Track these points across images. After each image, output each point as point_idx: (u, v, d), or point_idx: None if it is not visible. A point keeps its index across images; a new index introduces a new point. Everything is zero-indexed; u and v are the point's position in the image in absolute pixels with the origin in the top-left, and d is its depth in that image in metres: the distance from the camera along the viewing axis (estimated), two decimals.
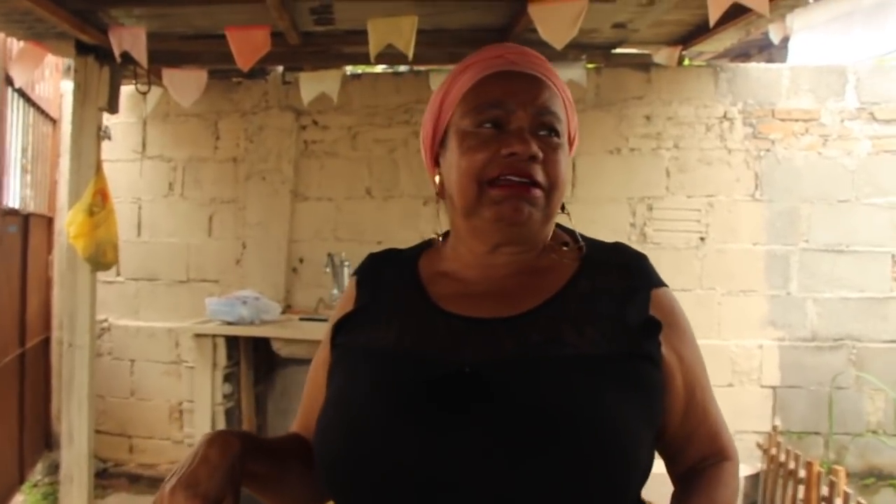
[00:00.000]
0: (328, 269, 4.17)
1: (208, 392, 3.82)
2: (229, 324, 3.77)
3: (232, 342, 3.88)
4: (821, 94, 4.08)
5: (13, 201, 4.04)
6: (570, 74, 3.60)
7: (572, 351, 0.90)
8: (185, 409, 4.44)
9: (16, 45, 3.70)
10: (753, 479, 3.71)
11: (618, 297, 0.96)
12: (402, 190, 4.34)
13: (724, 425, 1.05)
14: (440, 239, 1.09)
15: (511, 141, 0.93)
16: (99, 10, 3.22)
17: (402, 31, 3.06)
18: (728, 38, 3.79)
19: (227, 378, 3.88)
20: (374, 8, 3.12)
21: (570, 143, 1.03)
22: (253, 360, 4.12)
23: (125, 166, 4.54)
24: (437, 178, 1.04)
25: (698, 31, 3.65)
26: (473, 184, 0.95)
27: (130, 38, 3.23)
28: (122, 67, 3.62)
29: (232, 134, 4.49)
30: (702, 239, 4.12)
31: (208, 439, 0.85)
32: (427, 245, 1.11)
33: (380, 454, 0.85)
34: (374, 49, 3.11)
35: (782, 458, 3.18)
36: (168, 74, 3.74)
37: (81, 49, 3.54)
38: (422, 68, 4.25)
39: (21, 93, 3.99)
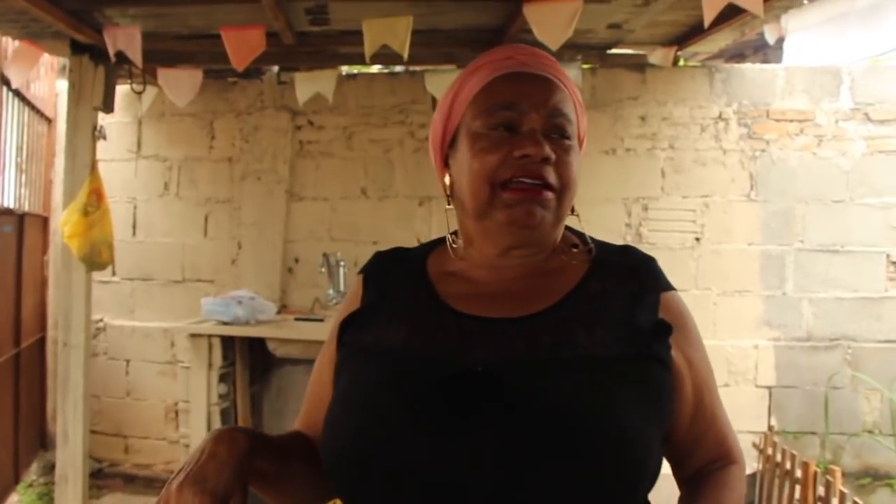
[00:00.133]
0: (323, 269, 4.17)
1: (204, 392, 3.81)
2: (225, 324, 3.77)
3: (227, 342, 3.88)
4: (815, 94, 4.09)
5: (8, 201, 4.03)
6: None
7: (584, 352, 0.90)
8: (181, 410, 4.43)
9: (11, 44, 3.69)
10: (750, 479, 3.71)
11: (627, 299, 0.96)
12: (398, 190, 4.34)
13: (731, 429, 1.05)
14: (453, 239, 1.07)
15: (524, 143, 0.93)
16: (94, 10, 3.21)
17: (396, 32, 3.07)
18: (723, 39, 3.79)
19: (222, 378, 3.87)
20: (369, 8, 3.12)
21: (580, 144, 1.03)
22: (248, 361, 4.11)
23: (120, 166, 4.54)
24: (446, 180, 1.03)
25: (693, 32, 3.66)
26: (486, 186, 0.94)
27: (125, 38, 3.22)
28: (117, 67, 3.61)
29: (227, 134, 4.49)
30: (697, 239, 4.13)
31: (216, 436, 0.85)
32: (433, 245, 1.10)
33: (391, 453, 0.85)
34: (369, 49, 3.11)
35: (778, 458, 3.18)
36: (163, 74, 3.74)
37: (76, 49, 3.53)
38: (417, 69, 4.25)
39: (16, 92, 3.98)
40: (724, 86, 4.14)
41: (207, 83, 4.03)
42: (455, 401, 0.86)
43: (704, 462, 1.02)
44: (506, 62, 0.99)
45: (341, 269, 4.14)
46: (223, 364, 3.86)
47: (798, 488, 2.91)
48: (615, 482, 0.83)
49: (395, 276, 1.05)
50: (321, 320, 3.93)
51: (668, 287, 1.00)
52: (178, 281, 4.54)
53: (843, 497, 2.59)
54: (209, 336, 3.80)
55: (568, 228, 1.05)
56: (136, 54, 3.23)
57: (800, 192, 4.07)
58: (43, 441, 4.65)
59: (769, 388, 4.09)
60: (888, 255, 4.03)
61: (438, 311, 0.97)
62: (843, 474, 2.98)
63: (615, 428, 0.84)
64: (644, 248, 1.07)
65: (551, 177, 0.94)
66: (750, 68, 4.24)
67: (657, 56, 3.97)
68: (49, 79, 4.62)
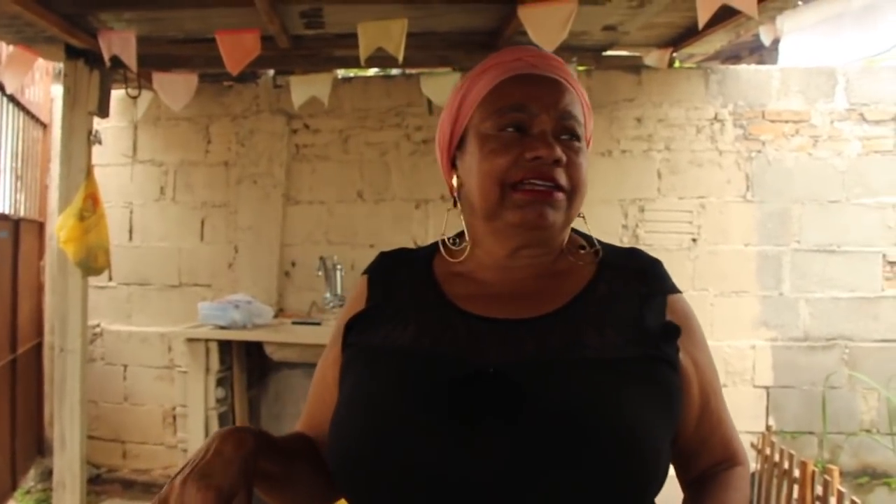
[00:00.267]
0: (320, 273, 4.16)
1: (201, 397, 3.81)
2: (222, 328, 3.76)
3: (225, 346, 3.87)
4: (811, 95, 4.10)
5: (4, 206, 4.02)
6: None
7: (594, 354, 0.90)
8: (179, 414, 4.42)
9: (5, 49, 3.69)
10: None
11: (635, 301, 0.96)
12: (394, 193, 4.34)
13: (735, 431, 1.05)
14: (449, 241, 1.06)
15: (536, 145, 0.93)
16: (88, 14, 3.21)
17: (391, 35, 3.06)
18: (718, 41, 3.80)
19: (220, 382, 3.87)
20: (364, 11, 3.12)
21: (587, 146, 1.03)
22: (246, 365, 4.11)
23: (116, 170, 4.53)
24: (454, 181, 1.03)
25: (688, 34, 3.67)
26: (496, 187, 0.94)
27: (120, 42, 3.22)
28: (112, 71, 3.61)
29: (223, 138, 4.48)
30: (693, 240, 4.13)
31: (222, 434, 0.84)
32: (438, 246, 1.09)
33: (401, 454, 0.84)
34: (364, 52, 3.12)
35: (776, 457, 3.18)
36: (158, 78, 3.74)
37: (71, 53, 3.53)
38: (413, 71, 4.26)
39: (11, 97, 3.98)
40: (720, 87, 4.15)
41: (203, 87, 4.04)
42: (466, 402, 0.85)
43: (710, 464, 1.02)
44: (515, 64, 0.99)
45: (338, 273, 4.13)
46: (220, 368, 3.85)
47: (796, 488, 2.91)
48: (626, 484, 0.83)
49: (401, 276, 1.05)
50: (318, 324, 3.93)
51: (675, 290, 1.01)
52: (175, 285, 4.53)
53: (840, 496, 2.59)
54: (206, 340, 3.79)
55: (573, 230, 1.05)
56: (130, 58, 3.22)
57: (796, 192, 4.08)
58: (40, 447, 4.64)
59: (767, 388, 4.09)
60: (884, 255, 4.04)
61: (446, 312, 0.97)
62: (841, 473, 2.98)
63: (627, 430, 0.84)
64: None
65: (562, 178, 0.94)
66: (745, 69, 4.25)
67: (652, 58, 3.97)
68: (44, 84, 4.62)
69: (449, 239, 1.06)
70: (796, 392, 4.07)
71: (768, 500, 3.20)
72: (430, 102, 4.09)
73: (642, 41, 3.85)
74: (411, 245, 1.13)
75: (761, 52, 4.80)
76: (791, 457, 3.05)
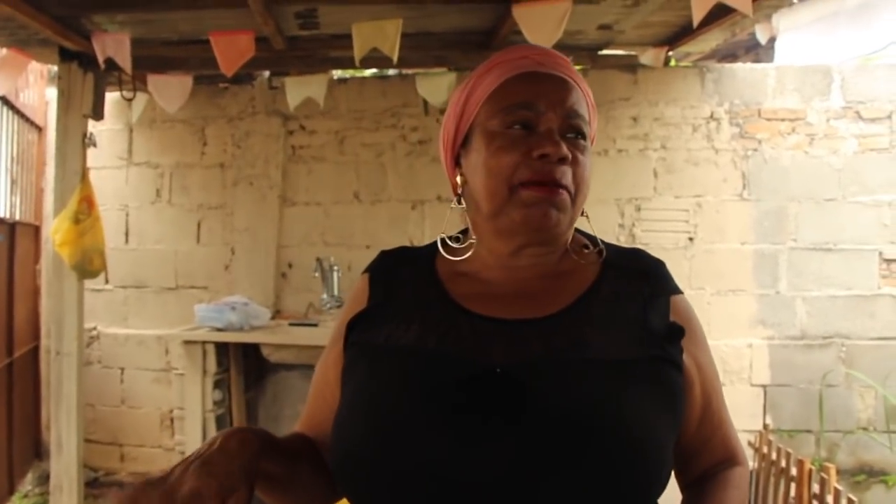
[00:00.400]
0: (317, 274, 4.16)
1: (199, 399, 3.79)
2: (219, 330, 3.75)
3: (222, 348, 3.86)
4: (806, 93, 4.10)
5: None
6: None
7: (600, 355, 0.89)
8: (176, 417, 4.42)
9: None
10: None
11: (639, 302, 0.96)
12: (390, 194, 4.34)
13: (735, 432, 1.06)
14: (450, 240, 1.04)
15: (543, 143, 0.93)
16: (82, 17, 3.20)
17: (386, 35, 3.06)
18: (713, 39, 3.81)
19: (217, 384, 3.86)
20: (359, 12, 3.11)
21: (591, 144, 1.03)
22: (243, 367, 4.10)
23: (112, 173, 4.52)
24: (458, 179, 1.02)
25: (684, 32, 3.67)
26: (503, 184, 0.93)
27: (114, 45, 3.22)
28: (106, 74, 3.60)
29: (219, 139, 4.47)
30: (690, 239, 4.13)
31: (228, 433, 0.84)
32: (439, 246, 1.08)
33: (407, 455, 0.83)
34: (358, 53, 3.11)
35: (774, 456, 3.18)
36: (153, 80, 3.73)
37: (65, 56, 3.53)
38: (408, 72, 4.25)
39: (5, 100, 3.97)
40: (716, 85, 4.15)
41: (198, 89, 4.03)
42: (472, 402, 0.85)
43: (710, 465, 1.02)
44: (521, 62, 0.98)
45: (335, 274, 4.13)
46: (218, 370, 3.84)
47: (793, 486, 2.92)
48: (631, 485, 0.83)
49: (403, 275, 1.04)
50: (315, 325, 3.92)
51: (677, 290, 1.01)
52: (172, 288, 4.52)
53: (837, 494, 2.59)
54: (203, 343, 3.78)
55: (576, 230, 1.05)
56: (125, 61, 3.22)
57: (792, 190, 4.08)
58: (38, 451, 4.63)
59: (764, 386, 4.09)
60: (881, 253, 4.04)
61: (451, 311, 0.96)
62: (838, 472, 2.99)
63: (632, 431, 0.84)
64: None
65: (567, 177, 0.94)
66: (741, 68, 4.25)
67: (648, 57, 3.98)
68: (39, 87, 4.61)
69: (450, 238, 1.05)
70: (793, 390, 4.07)
71: (765, 499, 3.20)
72: (425, 103, 4.09)
73: (638, 40, 3.85)
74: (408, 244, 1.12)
75: (757, 51, 4.81)
76: (788, 455, 3.05)
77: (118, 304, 4.57)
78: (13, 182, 4.24)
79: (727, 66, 4.33)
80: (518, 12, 2.95)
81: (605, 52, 4.02)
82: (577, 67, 4.08)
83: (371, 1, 3.07)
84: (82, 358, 3.73)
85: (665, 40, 3.86)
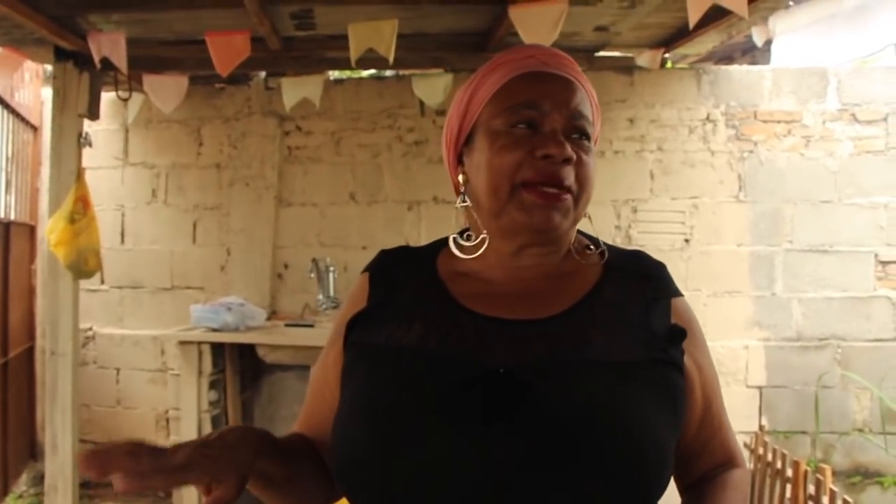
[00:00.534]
0: (313, 275, 4.15)
1: (194, 399, 3.79)
2: (214, 330, 3.74)
3: (217, 349, 3.86)
4: (802, 95, 4.10)
5: None
6: None
7: (603, 356, 0.89)
8: (172, 417, 4.40)
9: None
10: None
11: (641, 304, 0.96)
12: (387, 195, 4.34)
13: (734, 435, 1.06)
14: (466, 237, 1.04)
15: (547, 142, 0.92)
16: (77, 16, 3.19)
17: (382, 36, 3.06)
18: (710, 41, 3.81)
19: (213, 385, 3.85)
20: (355, 12, 3.11)
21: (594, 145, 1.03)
22: (239, 367, 4.09)
23: (107, 173, 4.51)
24: (460, 177, 1.02)
25: (680, 34, 3.67)
26: (506, 184, 0.93)
27: (110, 44, 3.21)
28: (102, 73, 3.60)
29: (215, 140, 4.47)
30: (686, 241, 4.14)
31: (230, 427, 0.84)
32: (441, 245, 1.07)
33: (410, 456, 0.83)
34: (354, 53, 3.11)
35: (769, 457, 3.19)
36: (149, 80, 3.72)
37: (60, 55, 3.52)
38: (405, 73, 4.25)
39: (0, 100, 3.96)
40: (712, 87, 4.15)
41: (194, 89, 4.02)
42: (476, 403, 0.84)
43: (709, 467, 1.02)
44: (526, 61, 0.98)
45: (331, 275, 4.12)
46: (213, 371, 3.84)
47: (789, 487, 2.92)
48: (632, 486, 0.83)
49: (404, 274, 1.03)
50: (311, 326, 3.92)
51: (678, 293, 1.01)
52: (167, 288, 4.51)
53: (833, 495, 2.59)
54: (199, 343, 3.77)
55: (578, 231, 1.05)
56: (120, 60, 3.21)
57: (788, 192, 4.09)
58: (32, 451, 4.61)
59: (760, 388, 4.09)
60: (876, 255, 4.05)
61: (453, 311, 0.95)
62: (834, 473, 2.99)
63: (634, 433, 0.84)
64: None
65: (570, 177, 0.94)
66: (737, 70, 4.25)
67: (644, 58, 3.98)
68: (34, 86, 4.60)
69: (457, 237, 1.04)
70: (789, 392, 4.08)
71: (761, 500, 3.20)
72: (422, 104, 4.09)
73: (634, 42, 3.86)
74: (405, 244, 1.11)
75: (754, 53, 4.81)
76: (784, 456, 3.06)
77: (114, 304, 4.56)
78: (8, 182, 4.23)
79: (723, 68, 4.34)
80: (514, 14, 2.95)
81: (601, 53, 4.02)
82: None
83: (367, 1, 3.07)
84: (78, 358, 3.72)
85: (661, 42, 3.86)
